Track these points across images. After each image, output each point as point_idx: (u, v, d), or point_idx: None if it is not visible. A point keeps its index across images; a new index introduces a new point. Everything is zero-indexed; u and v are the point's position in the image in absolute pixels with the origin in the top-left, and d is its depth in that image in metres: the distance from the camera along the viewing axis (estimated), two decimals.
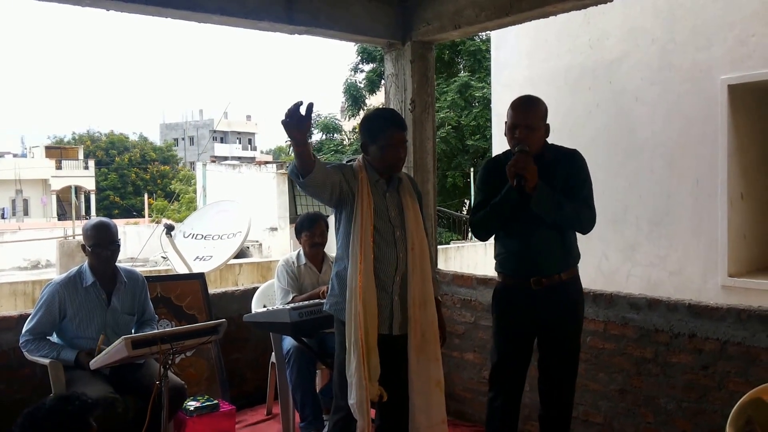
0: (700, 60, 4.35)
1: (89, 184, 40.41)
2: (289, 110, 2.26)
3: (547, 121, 2.83)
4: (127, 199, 43.14)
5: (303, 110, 2.27)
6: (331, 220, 4.03)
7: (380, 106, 3.92)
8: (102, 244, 3.12)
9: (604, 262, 4.77)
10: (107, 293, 3.19)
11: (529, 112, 2.75)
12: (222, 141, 51.49)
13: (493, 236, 2.93)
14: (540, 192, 2.62)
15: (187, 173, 39.91)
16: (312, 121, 2.38)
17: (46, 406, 1.98)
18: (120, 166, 44.74)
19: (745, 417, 2.25)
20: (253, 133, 56.38)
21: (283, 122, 2.26)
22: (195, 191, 23.32)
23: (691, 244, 4.39)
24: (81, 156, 42.51)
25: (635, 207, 4.64)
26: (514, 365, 2.87)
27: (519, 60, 5.38)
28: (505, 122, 2.84)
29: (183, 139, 53.69)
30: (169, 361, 2.73)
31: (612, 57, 4.77)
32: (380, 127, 2.66)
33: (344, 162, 2.73)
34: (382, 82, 15.79)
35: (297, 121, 2.26)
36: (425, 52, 4.04)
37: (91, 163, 41.92)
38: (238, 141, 53.15)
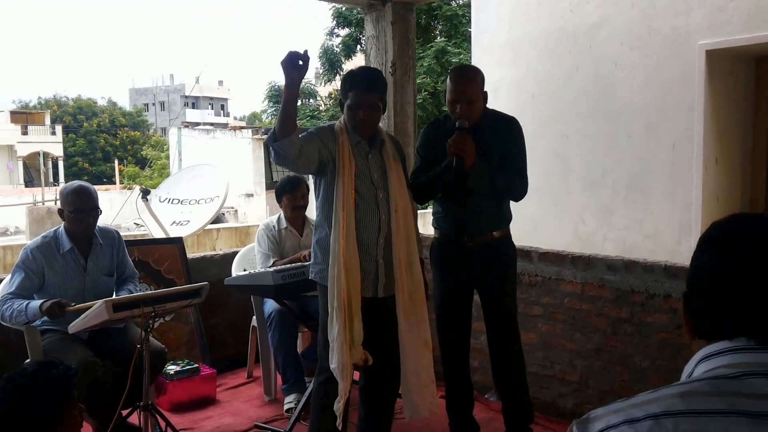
0: (679, 25, 4.34)
1: (57, 150, 39.45)
2: (294, 52, 2.34)
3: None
4: (97, 166, 42.25)
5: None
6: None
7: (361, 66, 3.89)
8: (83, 209, 3.01)
9: (581, 225, 4.83)
10: (84, 258, 3.10)
11: (468, 87, 2.82)
12: (194, 107, 50.53)
13: None
14: (476, 171, 2.74)
15: (159, 139, 39.20)
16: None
17: (29, 371, 1.93)
18: (88, 131, 43.70)
19: None
20: (226, 99, 55.43)
21: (286, 58, 2.33)
22: (167, 157, 22.94)
23: (666, 207, 4.44)
24: (48, 121, 41.37)
25: (612, 171, 4.67)
26: (455, 313, 3.02)
27: (500, 23, 5.32)
28: (445, 90, 2.94)
29: (153, 104, 52.57)
30: (151, 325, 2.70)
31: (592, 21, 4.74)
32: (347, 86, 2.63)
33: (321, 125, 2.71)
34: (359, 47, 15.64)
35: (299, 61, 2.33)
36: (406, 14, 3.99)
37: (59, 128, 40.86)
38: (210, 107, 52.21)
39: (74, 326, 2.74)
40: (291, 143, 2.41)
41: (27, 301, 2.90)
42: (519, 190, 2.92)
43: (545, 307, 3.55)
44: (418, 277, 2.72)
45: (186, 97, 49.34)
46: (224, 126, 27.54)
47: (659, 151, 4.47)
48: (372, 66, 4.00)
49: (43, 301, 2.87)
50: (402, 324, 2.66)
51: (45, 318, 2.90)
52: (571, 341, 3.46)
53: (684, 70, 4.32)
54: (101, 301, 2.62)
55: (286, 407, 3.63)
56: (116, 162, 30.26)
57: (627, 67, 4.58)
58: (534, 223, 4.82)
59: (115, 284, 3.23)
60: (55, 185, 27.11)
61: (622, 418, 0.84)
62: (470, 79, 2.85)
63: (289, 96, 2.40)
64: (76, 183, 3.15)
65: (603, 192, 4.73)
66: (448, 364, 3.10)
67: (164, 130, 46.18)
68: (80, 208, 3.01)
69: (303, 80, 2.51)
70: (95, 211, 3.07)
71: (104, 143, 43.61)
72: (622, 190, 4.63)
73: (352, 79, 2.64)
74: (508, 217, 3.01)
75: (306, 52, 2.36)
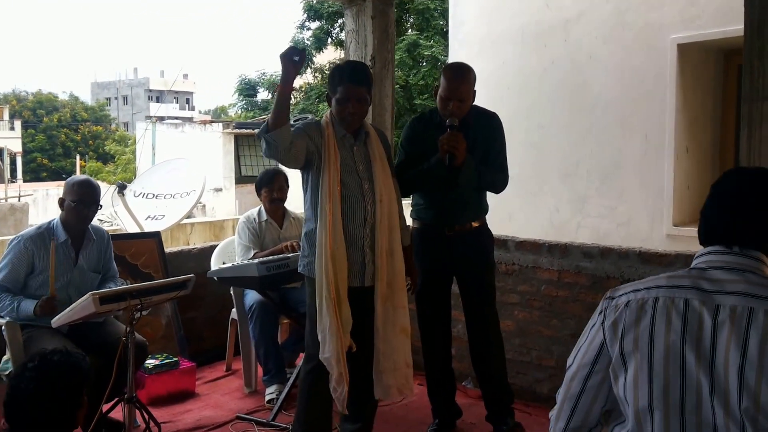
0: (652, 19, 4.45)
1: (15, 145, 38.38)
2: (294, 47, 2.47)
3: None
4: (56, 162, 41.20)
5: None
6: (291, 174, 4.02)
7: (348, 60, 3.91)
8: (86, 201, 3.07)
9: (555, 214, 4.92)
10: (76, 251, 3.14)
11: (462, 86, 2.88)
12: (158, 100, 49.67)
13: None
14: (466, 167, 2.82)
15: (123, 134, 38.48)
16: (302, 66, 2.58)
17: (54, 359, 1.96)
18: (49, 126, 42.58)
19: None
20: (191, 93, 54.62)
21: (285, 53, 2.44)
22: (132, 152, 22.53)
23: (638, 195, 4.57)
24: (6, 116, 40.23)
25: (587, 161, 4.77)
26: (437, 301, 3.10)
27: (477, 17, 5.38)
28: (436, 84, 2.97)
29: (116, 98, 51.52)
30: (136, 317, 2.69)
31: (568, 15, 4.82)
32: (336, 80, 2.66)
33: (291, 121, 2.72)
34: (329, 40, 15.47)
35: (296, 56, 2.45)
36: (386, 8, 4.00)
37: (18, 123, 39.77)
38: (175, 100, 51.36)
39: (58, 319, 2.74)
40: (282, 134, 2.48)
41: (17, 301, 2.94)
42: (501, 184, 3.04)
43: (522, 294, 3.61)
44: (399, 264, 2.75)
45: (150, 90, 48.48)
46: (189, 120, 27.18)
47: (632, 141, 4.58)
48: (352, 60, 4.03)
49: (35, 304, 2.90)
50: (378, 309, 2.70)
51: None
52: (547, 327, 3.53)
53: (656, 62, 4.43)
54: (88, 294, 2.62)
55: (267, 398, 3.63)
56: (77, 158, 29.51)
57: (601, 60, 4.68)
58: (508, 213, 4.89)
59: (97, 283, 3.24)
60: (12, 182, 26.39)
61: (631, 288, 1.37)
62: (464, 79, 2.91)
63: (283, 90, 2.51)
64: (83, 176, 3.28)
65: (577, 181, 4.83)
66: (431, 351, 3.15)
67: (127, 125, 45.33)
68: (83, 199, 3.06)
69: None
70: (96, 206, 3.13)
71: (65, 138, 42.51)
72: (596, 179, 4.74)
73: (340, 73, 2.68)
74: (486, 208, 3.11)
75: (305, 50, 2.46)
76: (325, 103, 2.74)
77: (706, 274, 1.30)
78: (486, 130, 2.98)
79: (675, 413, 1.24)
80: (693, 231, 4.44)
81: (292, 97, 16.20)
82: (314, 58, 15.50)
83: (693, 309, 1.26)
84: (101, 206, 3.20)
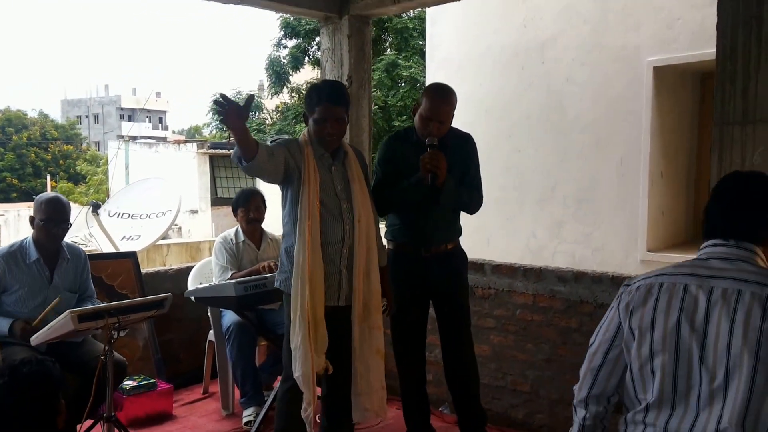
0: (628, 41, 4.47)
1: None
2: (223, 103, 2.31)
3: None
4: (26, 182, 40.36)
5: (240, 102, 2.36)
6: (269, 195, 4.02)
7: (325, 79, 3.91)
8: (54, 219, 3.04)
9: (532, 239, 4.92)
10: (50, 270, 3.11)
11: (443, 108, 2.91)
12: (130, 119, 49.08)
13: None
14: (447, 187, 2.85)
15: (94, 153, 37.94)
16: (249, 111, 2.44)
17: (24, 371, 1.95)
18: (18, 145, 41.78)
19: None
20: (164, 112, 54.10)
21: (221, 114, 2.31)
22: (104, 172, 22.22)
23: (614, 221, 4.58)
24: None
25: (563, 185, 4.78)
26: (412, 323, 3.10)
27: (454, 38, 5.38)
28: (416, 104, 2.99)
29: (87, 116, 50.81)
30: (115, 336, 2.67)
31: (545, 37, 4.84)
32: (314, 100, 2.66)
33: (268, 141, 2.72)
34: (306, 59, 15.29)
35: (236, 112, 2.32)
36: (362, 27, 3.99)
37: None
38: (147, 119, 50.81)
39: (37, 338, 2.72)
40: (259, 163, 2.47)
41: None
42: (477, 204, 3.06)
43: (498, 319, 3.63)
44: (375, 285, 2.76)
45: (122, 109, 47.96)
46: (162, 140, 26.89)
47: (607, 165, 4.61)
48: (329, 79, 4.04)
49: (11, 322, 2.90)
50: (355, 330, 2.71)
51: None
52: (522, 352, 3.54)
53: (632, 85, 4.47)
54: (66, 311, 2.59)
55: (245, 420, 3.60)
56: (48, 178, 28.98)
57: (578, 83, 4.70)
58: (487, 238, 4.91)
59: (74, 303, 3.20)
60: None
61: (643, 276, 1.63)
62: (447, 101, 2.93)
63: (240, 139, 2.40)
64: (52, 193, 3.22)
65: (554, 206, 4.84)
66: (406, 374, 3.15)
67: (98, 144, 44.68)
68: (51, 218, 3.03)
69: (251, 94, 2.55)
70: (65, 224, 3.09)
71: (35, 157, 41.71)
72: (572, 204, 4.75)
73: (318, 93, 2.68)
74: (460, 230, 3.13)
75: (251, 96, 2.44)
76: (302, 124, 2.72)
77: (705, 263, 1.58)
78: (463, 151, 3.01)
79: (669, 377, 1.51)
80: (667, 257, 4.51)
81: (269, 117, 15.78)
82: (290, 77, 15.17)
83: (690, 292, 1.53)
84: (70, 225, 3.16)
